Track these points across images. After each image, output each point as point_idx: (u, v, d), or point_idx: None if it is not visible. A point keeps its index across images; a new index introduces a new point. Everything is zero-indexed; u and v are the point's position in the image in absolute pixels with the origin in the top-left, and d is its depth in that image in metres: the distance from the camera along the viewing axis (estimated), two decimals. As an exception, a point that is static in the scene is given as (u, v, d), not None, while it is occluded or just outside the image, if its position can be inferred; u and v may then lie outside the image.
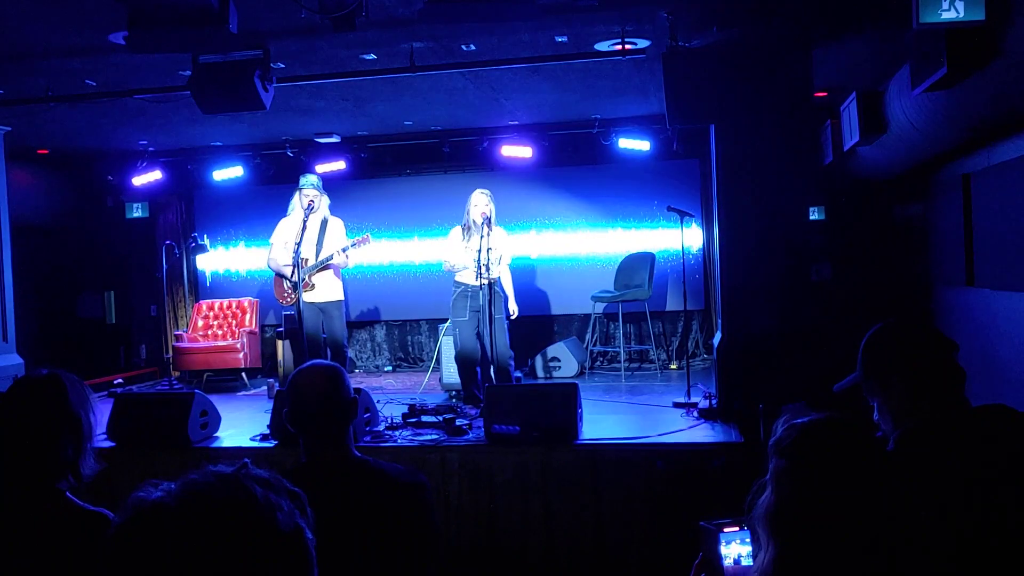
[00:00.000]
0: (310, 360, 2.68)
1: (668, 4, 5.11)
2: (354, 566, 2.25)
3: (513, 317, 7.01)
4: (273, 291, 7.37)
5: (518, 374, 7.16)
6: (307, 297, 6.93)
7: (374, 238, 9.65)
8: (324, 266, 6.92)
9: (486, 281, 6.50)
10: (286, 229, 7.10)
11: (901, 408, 2.12)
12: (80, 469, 2.09)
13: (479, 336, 6.78)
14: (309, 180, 7.06)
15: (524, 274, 9.52)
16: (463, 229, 6.88)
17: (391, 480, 2.41)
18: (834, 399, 2.37)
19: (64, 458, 2.06)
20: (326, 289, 7.02)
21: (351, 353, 9.94)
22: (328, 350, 6.97)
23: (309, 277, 6.94)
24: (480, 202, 6.71)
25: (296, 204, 7.02)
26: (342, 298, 7.21)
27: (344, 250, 6.95)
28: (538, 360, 8.76)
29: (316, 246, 6.98)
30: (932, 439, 2.04)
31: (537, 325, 9.39)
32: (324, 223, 7.07)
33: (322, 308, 6.99)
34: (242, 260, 10.40)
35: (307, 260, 6.96)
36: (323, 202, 7.07)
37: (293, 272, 6.81)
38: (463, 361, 6.84)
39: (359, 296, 9.99)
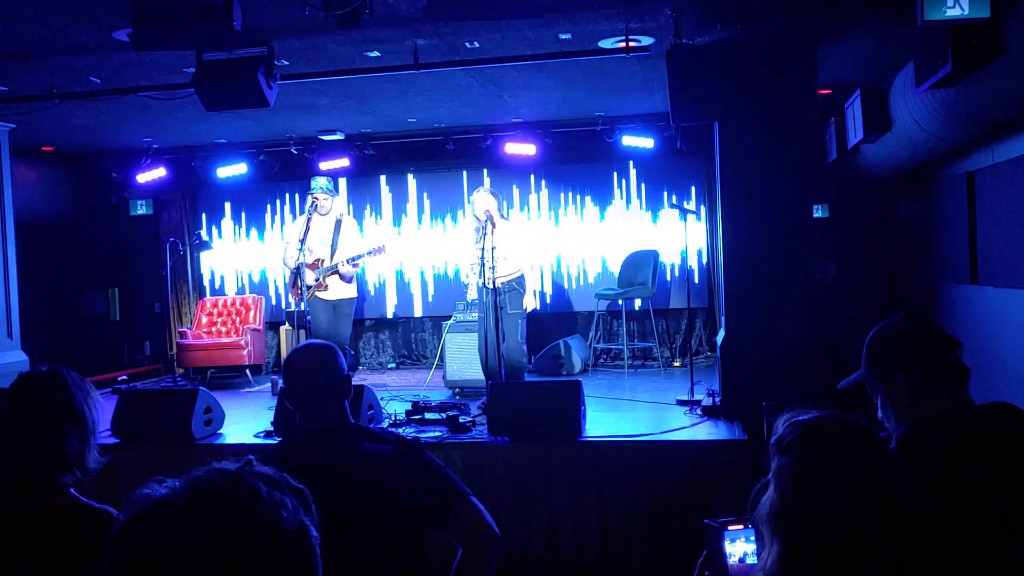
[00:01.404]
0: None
1: (672, 1, 5.10)
2: (360, 526, 2.28)
3: (528, 310, 6.94)
4: (288, 288, 7.45)
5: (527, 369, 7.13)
6: (320, 295, 7.04)
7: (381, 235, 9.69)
8: (334, 271, 7.03)
9: (488, 279, 6.50)
10: (297, 228, 7.16)
11: (905, 406, 2.12)
12: (86, 462, 2.10)
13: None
14: (317, 183, 7.17)
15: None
16: (475, 229, 6.93)
17: (387, 440, 2.48)
18: (833, 397, 2.37)
19: (69, 452, 2.06)
20: (339, 287, 7.14)
21: (353, 351, 9.94)
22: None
23: (324, 278, 7.02)
24: (480, 201, 6.74)
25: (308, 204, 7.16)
26: (355, 296, 7.31)
27: (354, 260, 7.02)
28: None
29: (331, 247, 7.09)
30: (936, 437, 2.03)
31: (541, 322, 9.38)
32: (338, 224, 7.16)
33: (334, 305, 7.10)
34: (246, 257, 10.40)
35: (323, 261, 7.07)
36: (336, 203, 7.19)
37: (298, 272, 6.87)
38: (483, 358, 6.86)
39: (363, 293, 9.98)
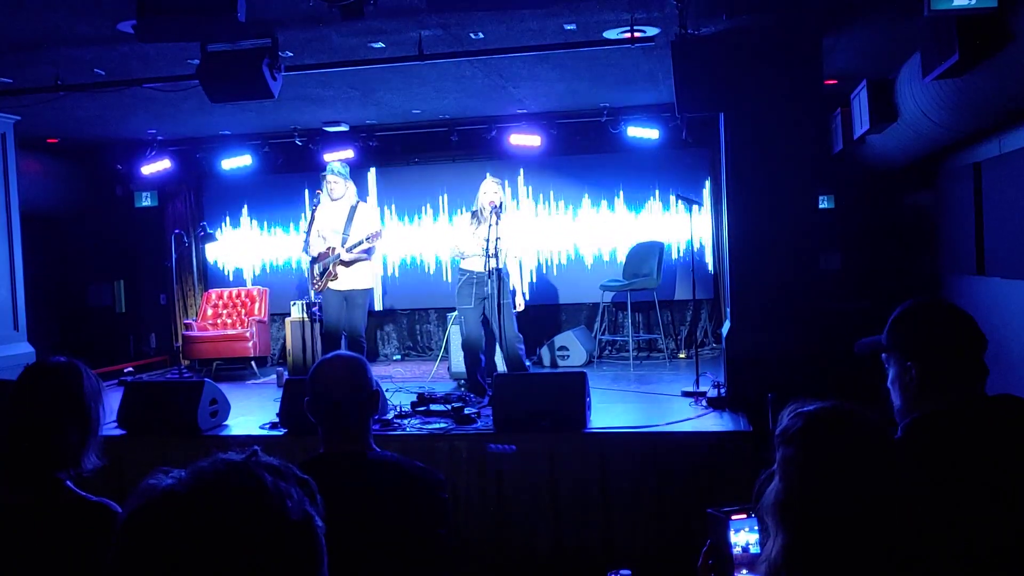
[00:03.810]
0: (325, 349, 2.68)
1: (677, -9, 5.09)
2: (364, 560, 2.24)
3: (518, 311, 6.76)
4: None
5: (527, 363, 7.08)
6: (332, 285, 6.88)
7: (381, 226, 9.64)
8: (339, 260, 6.86)
9: (494, 268, 6.47)
10: (314, 217, 7.04)
11: (913, 393, 2.10)
12: (82, 462, 2.07)
13: (486, 323, 6.73)
14: (330, 167, 7.04)
15: (533, 264, 9.52)
16: (472, 216, 6.82)
17: (407, 477, 2.40)
18: (838, 389, 2.36)
19: (66, 447, 2.04)
20: (352, 277, 6.92)
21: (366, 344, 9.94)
22: (345, 339, 6.92)
23: (333, 267, 6.86)
24: (489, 189, 6.66)
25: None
26: (370, 286, 7.08)
27: (353, 248, 6.84)
28: (546, 349, 8.76)
29: (343, 235, 6.89)
30: (941, 428, 2.03)
31: (545, 314, 9.39)
32: (352, 210, 6.96)
33: (346, 296, 6.91)
34: (251, 249, 10.42)
35: (333, 249, 6.86)
36: (350, 189, 7.02)
37: (315, 260, 6.80)
38: (469, 349, 6.80)
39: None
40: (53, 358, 2.17)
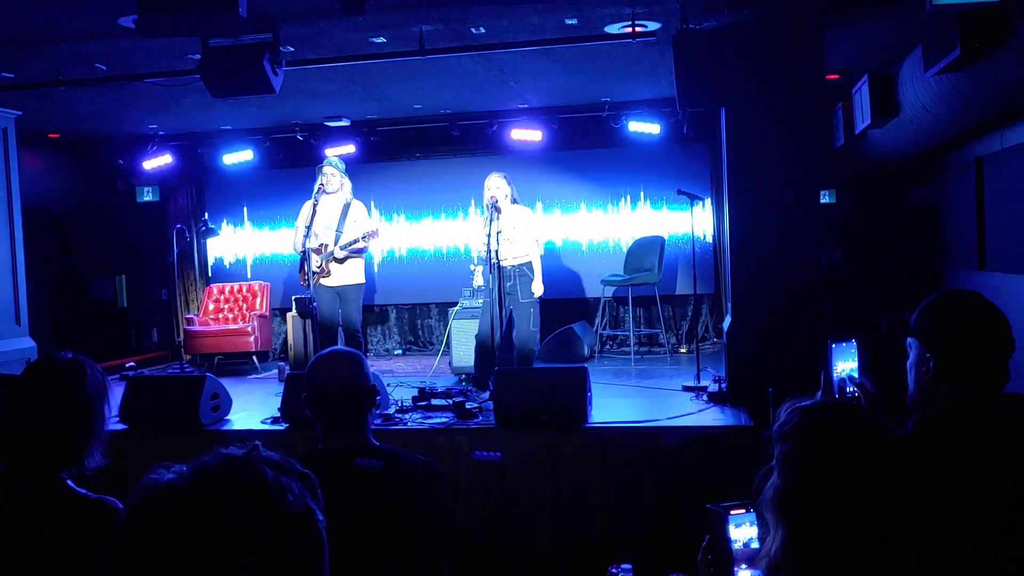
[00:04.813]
0: (322, 345, 2.69)
1: (678, -14, 5.08)
2: (364, 554, 2.24)
3: (537, 296, 6.85)
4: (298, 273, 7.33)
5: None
6: (324, 281, 6.90)
7: (387, 221, 9.69)
8: (332, 257, 6.86)
9: (495, 263, 6.49)
10: (305, 212, 7.05)
11: (927, 384, 2.08)
12: (84, 461, 2.06)
13: (509, 319, 6.78)
14: (328, 160, 7.05)
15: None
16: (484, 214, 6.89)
17: (406, 469, 2.41)
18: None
19: (69, 447, 2.04)
20: (344, 273, 6.95)
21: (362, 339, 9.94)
22: (342, 334, 6.94)
23: (326, 264, 6.86)
24: (492, 185, 6.72)
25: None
26: (362, 281, 7.10)
27: (348, 246, 6.86)
28: (547, 344, 8.76)
29: (336, 231, 6.90)
30: (945, 426, 2.02)
31: (546, 309, 9.37)
32: (346, 208, 6.98)
33: (339, 292, 6.93)
34: (252, 243, 10.42)
35: (326, 246, 6.87)
36: (345, 186, 7.03)
37: (304, 257, 6.79)
38: (479, 342, 6.84)
39: (368, 279, 9.99)
40: (59, 355, 2.16)
